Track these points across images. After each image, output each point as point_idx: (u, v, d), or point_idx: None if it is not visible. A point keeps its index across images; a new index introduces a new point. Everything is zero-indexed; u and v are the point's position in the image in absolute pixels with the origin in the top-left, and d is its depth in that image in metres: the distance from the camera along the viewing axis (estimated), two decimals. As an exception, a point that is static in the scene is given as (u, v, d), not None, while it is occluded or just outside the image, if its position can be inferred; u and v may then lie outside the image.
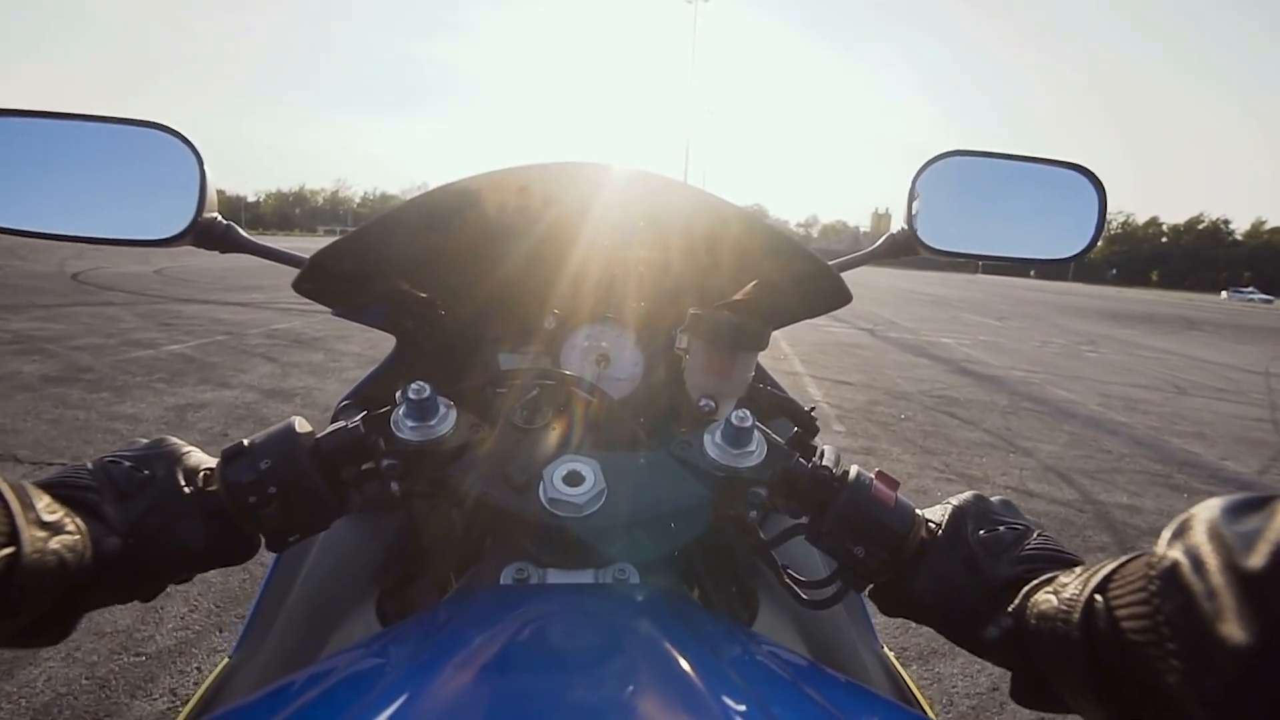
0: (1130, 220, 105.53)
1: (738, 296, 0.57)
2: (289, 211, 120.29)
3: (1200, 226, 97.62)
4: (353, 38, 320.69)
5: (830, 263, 0.60)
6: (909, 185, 0.69)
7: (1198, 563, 0.25)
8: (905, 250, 0.70)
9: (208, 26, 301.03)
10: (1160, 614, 0.26)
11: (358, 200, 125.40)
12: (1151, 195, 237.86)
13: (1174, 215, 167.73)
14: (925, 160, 0.69)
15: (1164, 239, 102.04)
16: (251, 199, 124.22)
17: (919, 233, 0.68)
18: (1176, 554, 0.26)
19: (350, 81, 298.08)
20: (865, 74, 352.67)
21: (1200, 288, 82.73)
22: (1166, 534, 0.28)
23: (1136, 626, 0.27)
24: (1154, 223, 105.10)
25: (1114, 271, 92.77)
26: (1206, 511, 0.26)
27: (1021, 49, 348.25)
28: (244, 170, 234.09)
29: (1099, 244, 0.69)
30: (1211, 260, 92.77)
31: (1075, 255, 0.70)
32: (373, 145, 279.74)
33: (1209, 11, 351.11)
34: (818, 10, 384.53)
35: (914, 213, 0.68)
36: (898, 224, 0.71)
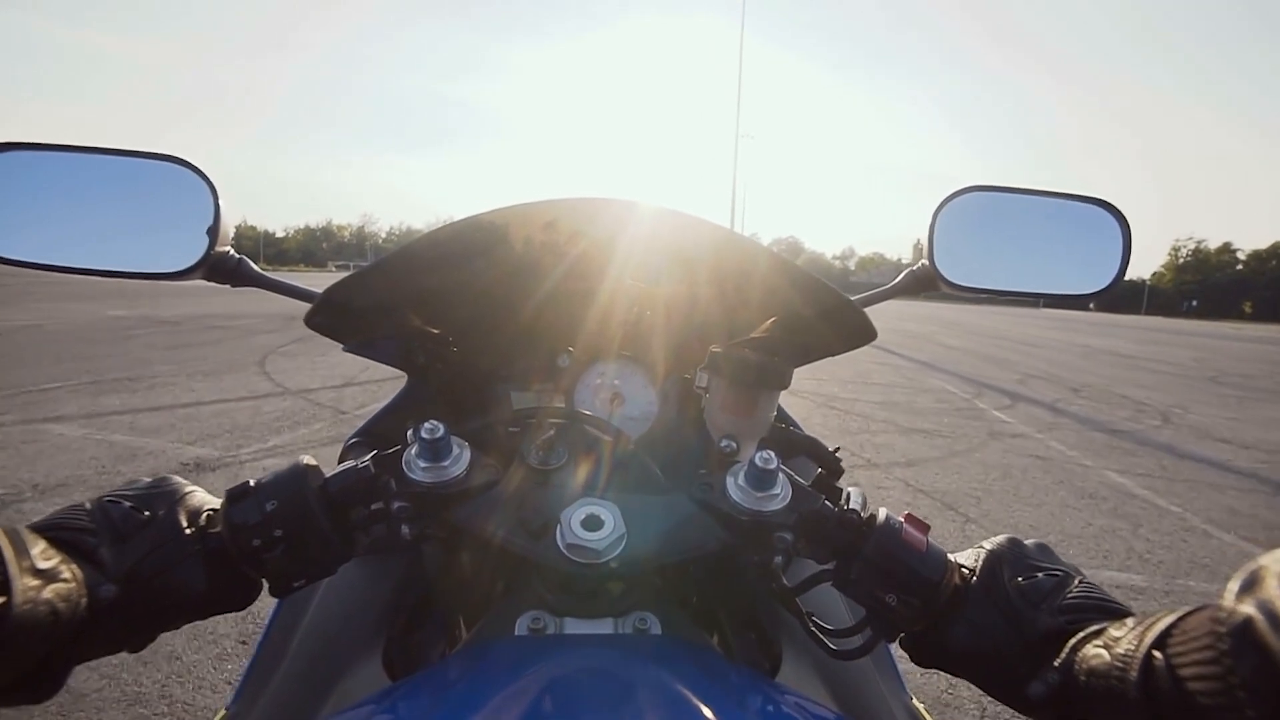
0: (1202, 247, 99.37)
1: (757, 333, 0.57)
2: (315, 247, 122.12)
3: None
4: (381, 78, 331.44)
5: (853, 298, 0.61)
6: (929, 221, 0.69)
7: (1276, 620, 0.23)
8: (927, 286, 0.71)
9: (234, 71, 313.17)
10: (1235, 675, 0.25)
11: (383, 235, 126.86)
12: (1215, 220, 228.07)
13: (1247, 240, 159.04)
14: (945, 196, 0.69)
15: (1239, 266, 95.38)
16: (280, 234, 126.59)
17: (940, 268, 0.68)
18: (1249, 609, 0.25)
19: (378, 120, 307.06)
20: (898, 108, 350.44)
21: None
22: (1234, 586, 0.26)
23: (1206, 689, 0.26)
24: (1227, 249, 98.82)
25: (1194, 303, 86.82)
26: (1278, 563, 0.25)
27: (1057, 81, 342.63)
28: (274, 207, 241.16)
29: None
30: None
31: (1100, 291, 0.70)
32: (400, 181, 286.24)
33: (1243, 33, 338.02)
34: (849, 43, 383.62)
35: (934, 248, 0.69)
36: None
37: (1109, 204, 0.69)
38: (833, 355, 0.65)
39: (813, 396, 6.18)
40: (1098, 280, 0.70)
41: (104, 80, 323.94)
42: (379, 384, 5.60)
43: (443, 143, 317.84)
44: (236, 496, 0.41)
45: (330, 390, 5.31)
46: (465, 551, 0.57)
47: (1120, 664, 0.30)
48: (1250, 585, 0.25)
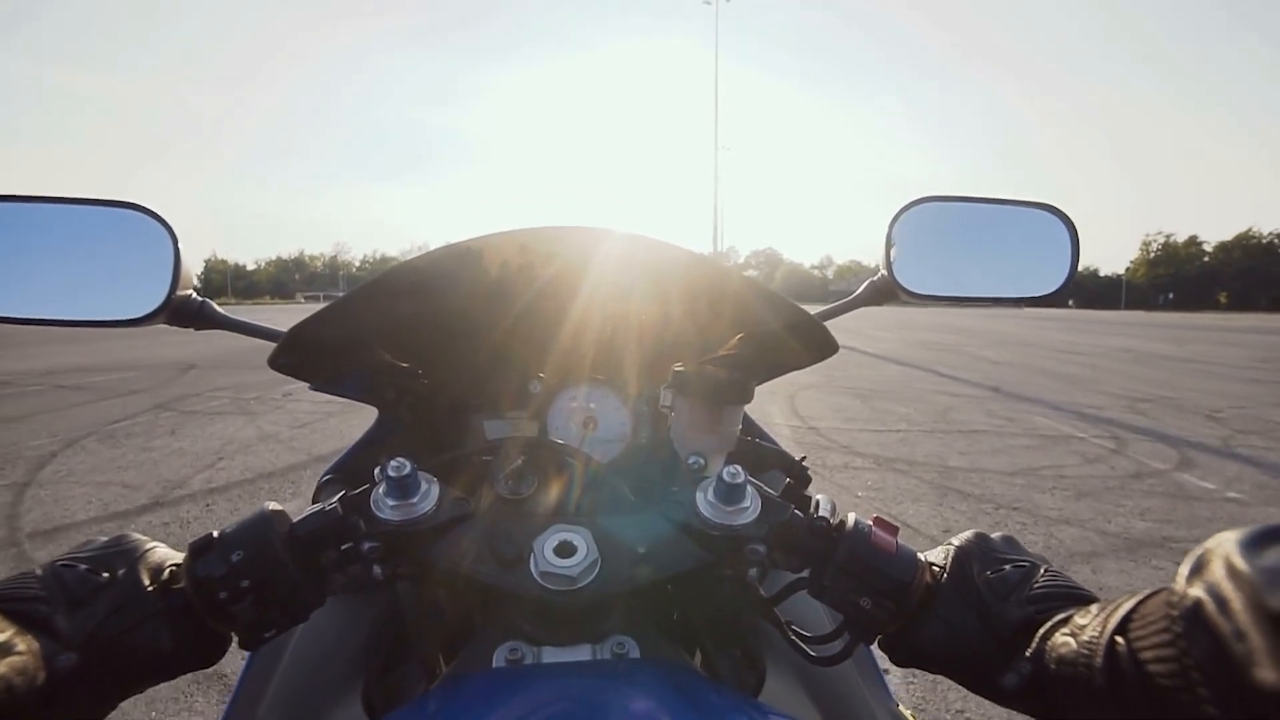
0: (1171, 241, 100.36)
1: (722, 351, 0.57)
2: (286, 278, 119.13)
3: (1252, 242, 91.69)
4: (355, 107, 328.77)
5: (814, 312, 0.62)
6: (885, 232, 0.70)
7: (1221, 602, 0.24)
8: (886, 297, 0.72)
9: (207, 105, 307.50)
10: (1189, 657, 0.25)
11: (356, 264, 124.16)
12: (1182, 214, 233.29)
13: (1212, 233, 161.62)
14: (900, 207, 0.70)
15: (1206, 258, 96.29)
16: (251, 267, 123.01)
17: (898, 278, 0.69)
18: (1198, 592, 0.25)
19: (352, 149, 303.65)
20: (871, 117, 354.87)
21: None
22: (1184, 569, 0.27)
23: (1164, 670, 0.26)
24: (1194, 242, 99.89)
25: (1170, 296, 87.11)
26: (1223, 546, 0.26)
27: (1025, 86, 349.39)
28: (247, 239, 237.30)
29: (1075, 278, 0.71)
30: (1274, 277, 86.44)
31: (1053, 293, 0.72)
32: (375, 209, 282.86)
33: (1204, 32, 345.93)
34: (821, 57, 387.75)
35: (892, 259, 0.69)
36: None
37: (1057, 209, 0.70)
38: (798, 369, 0.66)
39: (916, 471, 3.99)
40: (1050, 282, 0.71)
41: (75, 119, 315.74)
42: (209, 497, 3.29)
43: (418, 170, 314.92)
44: (200, 549, 0.39)
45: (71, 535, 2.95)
46: (440, 586, 0.55)
47: (1086, 650, 0.31)
48: (1199, 569, 0.26)
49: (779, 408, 6.02)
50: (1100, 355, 12.55)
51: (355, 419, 5.18)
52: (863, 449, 4.56)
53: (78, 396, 6.41)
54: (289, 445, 4.44)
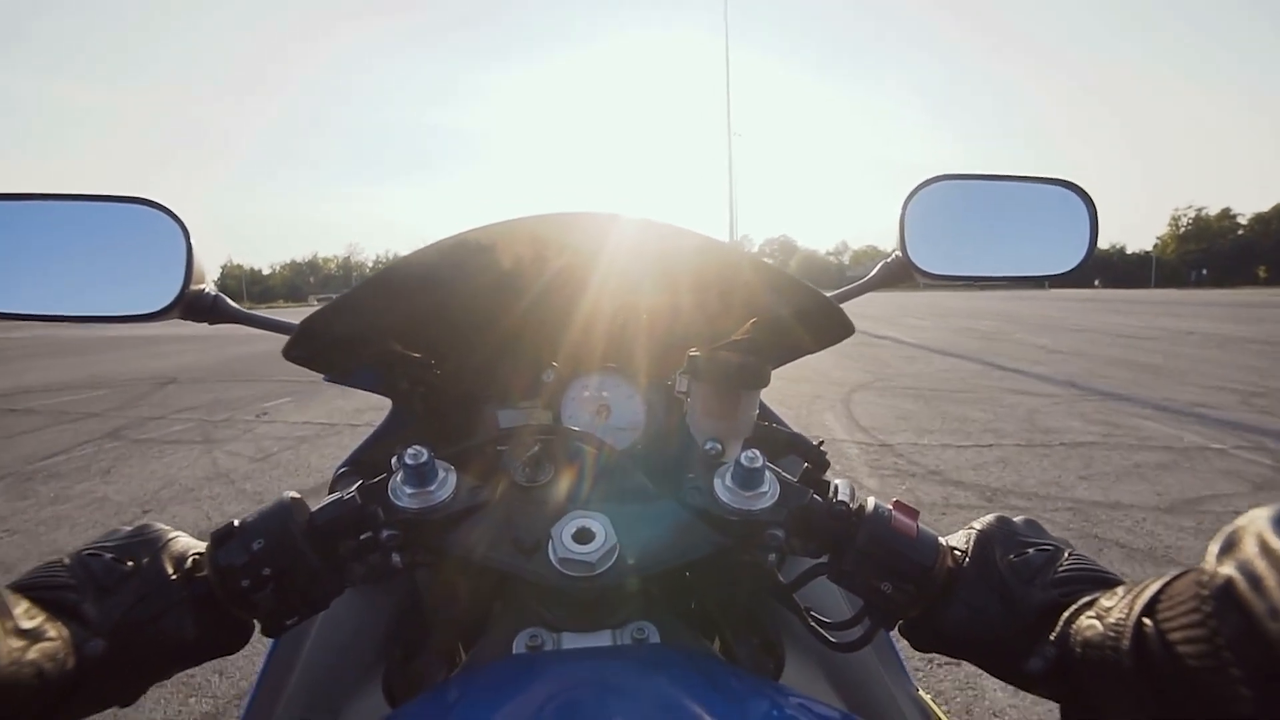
0: (1203, 215, 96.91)
1: (737, 335, 0.56)
2: (300, 281, 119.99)
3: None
4: (363, 109, 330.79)
5: (829, 294, 0.61)
6: (899, 213, 0.68)
7: (1255, 580, 0.24)
8: (901, 277, 0.70)
9: (213, 114, 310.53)
10: (1220, 637, 0.25)
11: (370, 264, 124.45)
12: (1207, 188, 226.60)
13: (1245, 205, 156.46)
14: (913, 186, 0.68)
15: (1240, 231, 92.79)
16: (266, 271, 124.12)
17: (913, 259, 0.68)
18: (1229, 570, 0.25)
19: (361, 151, 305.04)
20: (883, 103, 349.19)
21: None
22: (1214, 548, 0.26)
23: (1194, 651, 0.26)
24: (1227, 215, 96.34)
25: (1204, 272, 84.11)
26: (1255, 523, 0.25)
27: (1036, 67, 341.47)
28: (261, 244, 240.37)
29: (1093, 256, 0.70)
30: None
31: (1071, 270, 0.70)
32: (386, 209, 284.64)
33: (1226, 7, 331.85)
34: (831, 43, 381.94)
35: (906, 239, 0.68)
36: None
37: (1074, 184, 0.69)
38: (813, 352, 0.66)
39: (1040, 509, 3.02)
40: (1068, 260, 0.69)
41: (82, 131, 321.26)
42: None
43: (428, 169, 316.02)
44: (222, 538, 0.40)
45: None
46: (459, 574, 0.55)
47: (1113, 633, 0.30)
48: (1230, 547, 0.25)
49: (835, 417, 5.11)
50: (1164, 339, 11.33)
51: (328, 448, 4.39)
52: (957, 474, 3.56)
53: (24, 423, 5.55)
54: (239, 488, 3.59)
